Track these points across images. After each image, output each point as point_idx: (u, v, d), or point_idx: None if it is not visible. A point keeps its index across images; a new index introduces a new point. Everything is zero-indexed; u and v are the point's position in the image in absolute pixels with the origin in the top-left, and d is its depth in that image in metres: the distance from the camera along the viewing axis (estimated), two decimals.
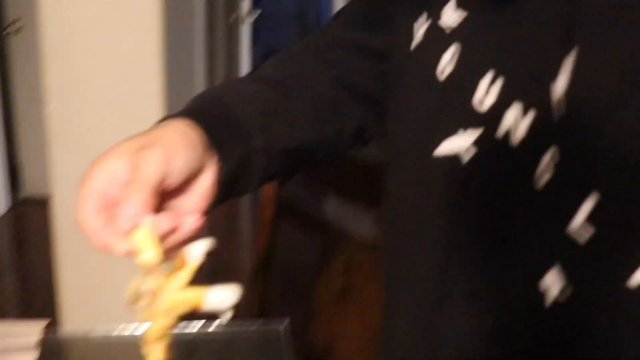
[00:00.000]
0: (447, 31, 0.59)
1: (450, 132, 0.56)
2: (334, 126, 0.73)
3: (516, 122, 0.51)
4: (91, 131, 1.73)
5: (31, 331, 1.00)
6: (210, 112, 0.64)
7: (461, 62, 0.57)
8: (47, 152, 1.75)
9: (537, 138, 0.50)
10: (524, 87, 0.52)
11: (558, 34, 0.49)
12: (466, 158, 0.55)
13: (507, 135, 0.52)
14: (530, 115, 0.51)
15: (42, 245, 2.85)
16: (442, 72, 0.59)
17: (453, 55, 0.58)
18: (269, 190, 1.22)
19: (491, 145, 0.53)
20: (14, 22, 3.71)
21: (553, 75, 0.49)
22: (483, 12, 0.56)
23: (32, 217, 3.64)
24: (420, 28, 0.63)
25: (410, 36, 0.64)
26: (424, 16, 0.62)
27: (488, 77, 0.54)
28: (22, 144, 3.83)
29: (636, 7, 0.45)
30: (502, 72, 0.53)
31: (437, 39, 0.60)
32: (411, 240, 0.63)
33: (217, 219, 3.51)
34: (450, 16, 0.59)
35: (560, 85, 0.48)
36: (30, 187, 3.86)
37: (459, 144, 0.56)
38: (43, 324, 1.03)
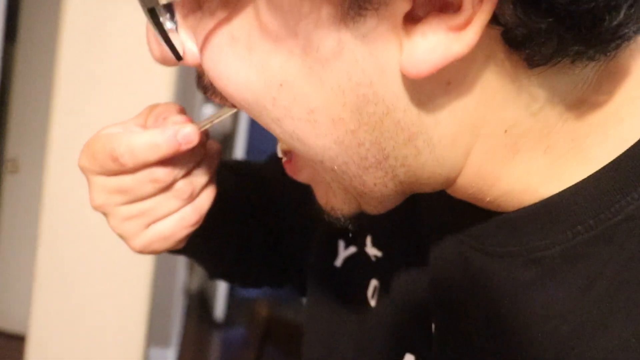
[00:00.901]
0: (373, 259, 0.59)
1: None
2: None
3: None
4: (78, 282, 1.74)
5: None
6: None
7: (380, 298, 0.57)
8: (32, 293, 1.74)
9: None
10: (415, 342, 0.52)
11: (426, 307, 0.51)
12: None
13: None
14: None
15: None
16: (371, 299, 0.58)
17: (375, 289, 0.58)
18: (247, 357, 1.07)
19: None
20: (11, 160, 3.55)
21: (429, 338, 0.50)
22: (393, 256, 0.57)
23: None
24: (346, 249, 0.63)
25: (334, 251, 0.64)
26: (343, 243, 0.63)
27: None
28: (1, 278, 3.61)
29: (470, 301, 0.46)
30: (401, 322, 0.54)
31: (365, 265, 0.60)
32: None
33: None
34: (371, 249, 0.60)
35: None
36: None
37: None
38: None
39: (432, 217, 0.52)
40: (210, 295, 4.37)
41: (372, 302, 0.58)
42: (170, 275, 3.20)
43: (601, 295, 0.37)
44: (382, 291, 0.57)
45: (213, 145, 0.55)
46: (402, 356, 0.53)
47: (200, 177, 0.53)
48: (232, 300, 4.35)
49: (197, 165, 0.53)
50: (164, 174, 0.50)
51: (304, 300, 0.72)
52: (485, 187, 0.41)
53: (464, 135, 0.38)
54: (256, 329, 1.20)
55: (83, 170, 0.52)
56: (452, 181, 0.41)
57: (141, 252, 0.55)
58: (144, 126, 0.53)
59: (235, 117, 4.32)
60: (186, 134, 0.49)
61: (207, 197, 0.54)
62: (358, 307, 0.60)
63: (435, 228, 0.50)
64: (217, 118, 0.50)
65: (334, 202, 0.46)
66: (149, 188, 0.51)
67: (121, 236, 0.54)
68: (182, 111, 0.53)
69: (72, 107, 1.65)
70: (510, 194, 0.41)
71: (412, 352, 0.52)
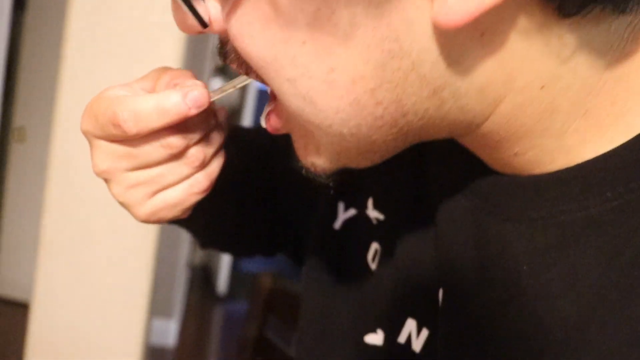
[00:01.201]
0: (374, 222, 0.58)
1: (373, 327, 0.56)
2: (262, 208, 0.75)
3: (414, 335, 0.51)
4: (82, 252, 1.75)
5: None
6: None
7: (381, 263, 0.56)
8: (35, 259, 1.76)
9: (433, 356, 0.49)
10: (417, 307, 0.52)
11: (432, 271, 0.50)
12: (385, 351, 0.55)
13: (409, 341, 0.52)
14: (425, 333, 0.50)
15: (8, 344, 3.03)
16: (371, 262, 0.57)
17: (376, 252, 0.57)
18: (251, 328, 1.24)
19: (397, 349, 0.53)
20: (18, 129, 3.53)
21: (434, 303, 0.49)
22: (396, 219, 0.56)
23: (1, 316, 3.41)
24: (346, 210, 0.62)
25: (333, 213, 0.63)
26: (343, 205, 0.62)
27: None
28: (4, 245, 3.60)
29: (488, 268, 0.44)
30: (403, 286, 0.53)
31: (365, 228, 0.59)
32: None
33: (184, 351, 3.47)
34: (372, 212, 0.58)
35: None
36: (3, 288, 3.58)
37: (378, 341, 0.55)
38: None
39: (441, 180, 0.50)
40: (214, 269, 4.40)
41: (373, 266, 0.57)
42: (173, 248, 3.22)
43: (629, 264, 0.36)
44: (383, 255, 0.56)
45: (222, 111, 0.53)
46: (404, 321, 0.52)
47: (211, 144, 0.51)
48: (235, 274, 4.38)
49: (209, 131, 0.51)
50: (177, 139, 0.48)
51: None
52: (515, 137, 0.39)
53: (495, 86, 0.37)
54: (259, 301, 1.20)
55: (85, 134, 0.50)
56: (474, 127, 0.40)
57: (146, 221, 0.52)
58: (153, 91, 0.50)
59: (243, 92, 4.31)
60: (196, 97, 0.46)
61: (217, 164, 0.53)
62: (357, 271, 0.59)
63: (445, 192, 0.49)
64: (232, 87, 0.48)
65: (316, 159, 0.45)
66: (160, 154, 0.49)
67: (124, 204, 0.52)
68: (195, 79, 0.51)
69: (79, 77, 1.65)
70: (541, 149, 0.40)
71: (414, 317, 0.52)
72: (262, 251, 0.81)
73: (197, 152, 0.50)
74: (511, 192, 0.42)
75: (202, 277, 4.55)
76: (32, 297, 1.74)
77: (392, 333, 0.53)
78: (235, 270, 4.40)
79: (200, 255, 4.72)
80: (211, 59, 3.33)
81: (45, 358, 1.75)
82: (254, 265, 4.77)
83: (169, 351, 3.32)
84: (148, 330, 1.79)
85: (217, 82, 3.81)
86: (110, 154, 0.49)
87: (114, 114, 0.46)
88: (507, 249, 0.42)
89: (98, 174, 0.51)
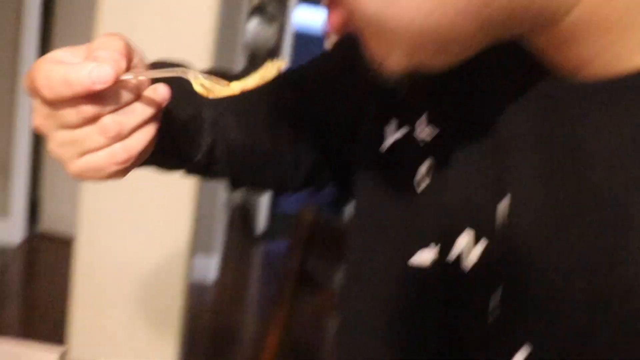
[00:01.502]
0: (422, 144, 0.59)
1: (426, 243, 0.56)
2: (290, 148, 0.74)
3: (468, 248, 0.52)
4: (127, 185, 1.69)
5: (49, 357, 0.90)
6: (165, 64, 0.61)
7: (436, 177, 0.57)
8: (79, 195, 1.78)
9: (487, 269, 0.50)
10: (477, 216, 0.52)
11: (492, 180, 0.50)
12: (431, 272, 0.55)
13: (458, 260, 0.52)
14: (481, 245, 0.51)
15: (52, 279, 3.12)
16: (419, 184, 0.58)
17: (428, 168, 0.57)
18: (293, 260, 1.23)
19: (446, 266, 0.54)
20: None
21: (494, 212, 0.49)
22: (452, 132, 0.56)
23: (45, 251, 3.52)
24: (393, 133, 0.62)
25: (379, 137, 0.64)
26: (396, 123, 0.62)
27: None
28: (47, 180, 3.69)
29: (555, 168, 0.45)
30: (460, 197, 0.53)
31: (413, 150, 0.59)
32: (364, 334, 0.63)
33: (224, 287, 3.52)
34: (424, 130, 0.59)
35: (499, 221, 0.49)
36: (47, 224, 3.69)
37: (428, 257, 0.56)
38: (60, 350, 0.92)
39: (502, 89, 0.51)
40: (253, 210, 4.45)
41: (423, 185, 0.58)
42: (213, 187, 3.26)
43: None
44: (438, 169, 0.57)
45: (160, 90, 0.53)
46: (461, 231, 0.53)
47: (131, 118, 0.52)
48: (274, 215, 4.42)
49: (128, 105, 0.51)
50: (88, 107, 0.49)
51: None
52: (600, 31, 0.40)
53: None
54: (301, 234, 1.21)
55: (26, 90, 0.52)
56: (559, 18, 0.40)
57: (77, 178, 0.55)
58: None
59: (280, 34, 4.27)
60: (99, 74, 0.47)
61: (139, 139, 0.53)
62: (405, 192, 0.60)
63: (507, 99, 0.50)
64: (144, 76, 0.51)
65: (390, 59, 0.44)
66: (75, 118, 0.50)
67: (58, 160, 0.54)
68: (125, 49, 0.52)
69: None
70: (623, 46, 0.40)
71: (473, 226, 0.52)
72: (310, 184, 0.81)
73: (111, 123, 0.51)
74: (586, 93, 0.42)
75: (241, 217, 4.61)
76: (76, 233, 1.79)
77: (444, 248, 0.54)
78: (273, 211, 4.45)
79: (239, 195, 4.77)
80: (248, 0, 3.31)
81: (89, 293, 1.79)
82: (292, 206, 4.81)
83: (209, 286, 3.39)
84: (190, 266, 1.83)
85: (254, 23, 3.77)
86: (41, 113, 0.52)
87: (33, 80, 0.49)
88: (581, 148, 0.42)
89: (35, 129, 0.53)
